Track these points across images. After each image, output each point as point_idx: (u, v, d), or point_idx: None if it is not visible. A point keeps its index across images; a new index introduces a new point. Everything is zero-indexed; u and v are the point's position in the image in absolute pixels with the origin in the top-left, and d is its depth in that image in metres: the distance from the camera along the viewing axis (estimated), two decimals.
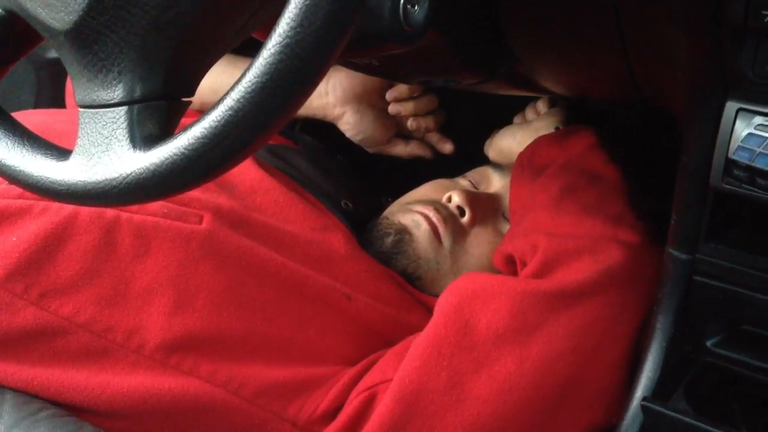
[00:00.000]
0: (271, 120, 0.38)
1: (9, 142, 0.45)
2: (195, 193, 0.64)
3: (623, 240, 0.67)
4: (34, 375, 0.62)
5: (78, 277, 0.63)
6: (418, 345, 0.65)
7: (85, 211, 0.64)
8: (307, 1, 0.35)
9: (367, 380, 0.66)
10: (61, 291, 0.63)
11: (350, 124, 0.93)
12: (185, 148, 0.38)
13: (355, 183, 0.93)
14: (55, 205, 0.65)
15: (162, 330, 0.63)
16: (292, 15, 0.35)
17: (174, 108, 0.43)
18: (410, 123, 0.94)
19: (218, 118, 0.38)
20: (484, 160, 0.90)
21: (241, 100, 0.37)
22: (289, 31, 0.35)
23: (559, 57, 0.66)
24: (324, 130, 0.96)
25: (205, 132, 0.38)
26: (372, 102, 0.93)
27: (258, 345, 0.66)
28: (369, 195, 0.92)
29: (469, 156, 0.92)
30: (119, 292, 0.64)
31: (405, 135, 0.97)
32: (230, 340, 0.65)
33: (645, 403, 0.58)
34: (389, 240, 0.79)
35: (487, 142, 0.90)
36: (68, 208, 0.64)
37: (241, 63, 0.83)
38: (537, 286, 0.66)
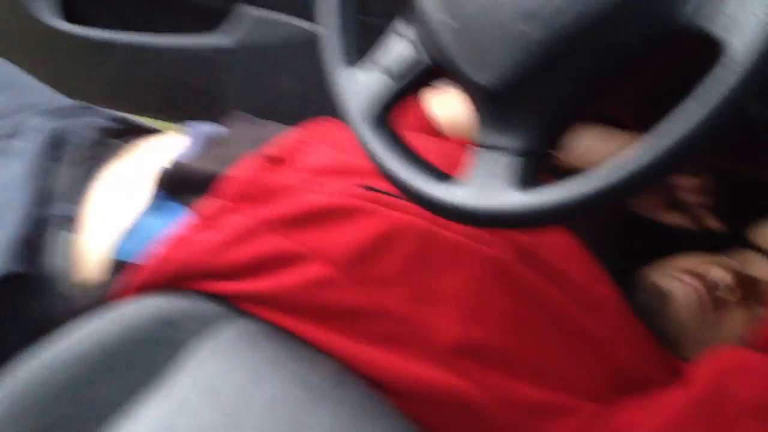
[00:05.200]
0: (638, 190, 0.45)
1: (409, 163, 0.55)
2: None
3: None
4: (347, 346, 0.71)
5: (397, 275, 0.71)
6: (676, 401, 0.68)
7: (411, 222, 0.72)
8: (706, 109, 0.40)
9: (611, 421, 0.69)
10: (382, 283, 0.71)
11: None
12: (566, 197, 0.46)
13: (619, 237, 0.93)
14: (388, 212, 0.72)
15: (454, 334, 0.69)
16: (695, 115, 0.40)
17: (548, 160, 0.51)
18: (686, 196, 0.94)
19: (604, 178, 0.44)
20: (743, 242, 0.90)
21: (629, 169, 0.43)
22: (693, 124, 0.40)
23: None
24: None
25: (587, 188, 0.45)
26: None
27: (525, 365, 0.70)
28: (629, 251, 0.92)
29: (730, 235, 0.92)
30: (426, 294, 0.71)
31: (675, 204, 0.96)
32: (505, 356, 0.70)
33: None
34: (650, 300, 0.81)
35: (756, 229, 0.90)
36: (398, 216, 0.72)
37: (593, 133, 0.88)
38: None
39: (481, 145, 0.51)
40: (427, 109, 0.95)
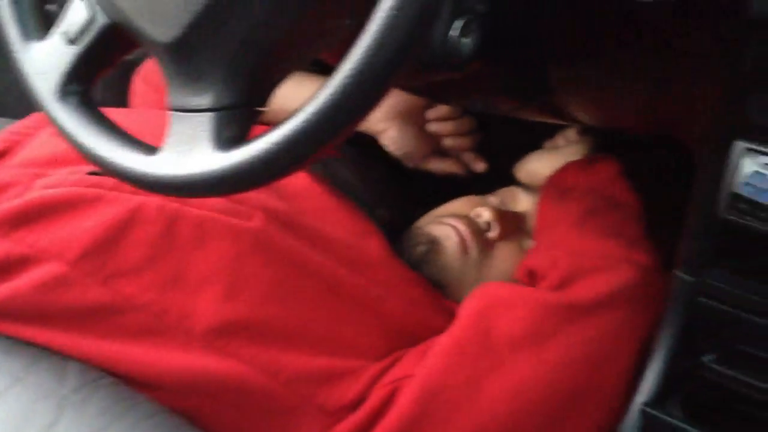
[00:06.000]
0: (337, 132, 0.42)
1: (105, 136, 0.50)
2: (249, 194, 0.67)
3: (637, 262, 0.71)
4: (97, 347, 0.66)
5: (141, 262, 0.67)
6: (441, 345, 0.68)
7: (151, 203, 0.68)
8: (377, 38, 0.39)
9: (390, 375, 0.68)
10: (126, 274, 0.66)
11: (392, 139, 0.95)
12: (261, 152, 0.43)
13: (392, 193, 0.94)
14: (124, 196, 0.68)
15: (212, 315, 0.66)
16: (364, 47, 0.39)
17: (251, 116, 0.48)
18: (448, 142, 0.97)
19: (292, 128, 0.42)
20: (513, 181, 0.93)
21: (315, 113, 0.41)
22: (361, 59, 0.39)
23: (595, 94, 0.69)
24: (366, 142, 0.97)
25: (279, 139, 0.42)
26: (414, 120, 0.95)
27: (296, 335, 0.68)
28: (404, 205, 0.93)
29: (500, 176, 0.94)
30: (176, 278, 0.67)
31: (442, 152, 1.00)
32: (271, 329, 0.67)
33: (644, 407, 0.62)
34: (420, 249, 0.81)
35: (518, 165, 0.92)
36: (136, 200, 0.68)
37: (307, 82, 0.83)
38: (554, 297, 0.69)
39: (174, 109, 0.47)
40: None
